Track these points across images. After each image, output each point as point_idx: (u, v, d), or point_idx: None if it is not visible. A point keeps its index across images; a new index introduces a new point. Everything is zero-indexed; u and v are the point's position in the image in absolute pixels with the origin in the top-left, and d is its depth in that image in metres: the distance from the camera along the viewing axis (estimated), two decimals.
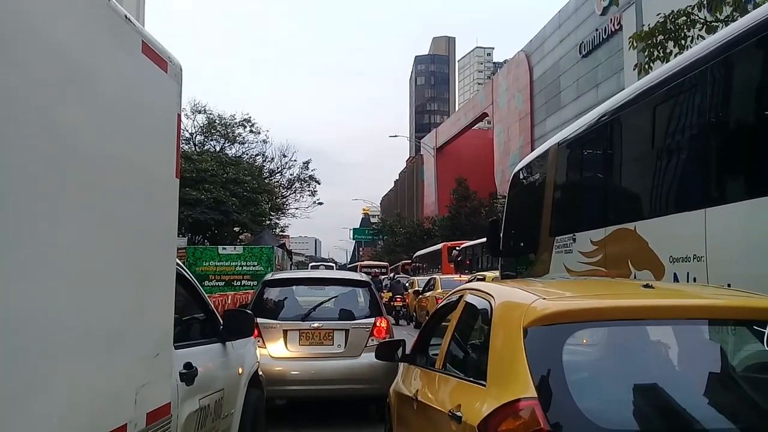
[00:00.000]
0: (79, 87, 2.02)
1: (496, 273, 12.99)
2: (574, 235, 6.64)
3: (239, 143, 38.91)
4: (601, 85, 32.64)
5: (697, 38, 9.18)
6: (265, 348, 6.31)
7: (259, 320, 6.10)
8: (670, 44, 9.68)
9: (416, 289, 20.78)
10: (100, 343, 2.19)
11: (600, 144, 6.63)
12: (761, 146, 4.13)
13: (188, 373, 3.32)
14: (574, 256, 6.55)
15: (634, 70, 10.81)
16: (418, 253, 40.29)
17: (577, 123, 7.44)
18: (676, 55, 9.14)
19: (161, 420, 2.70)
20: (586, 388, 2.30)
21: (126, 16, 2.28)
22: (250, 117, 38.72)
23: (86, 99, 2.07)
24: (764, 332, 2.38)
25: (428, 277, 21.51)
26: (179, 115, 2.88)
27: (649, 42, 9.88)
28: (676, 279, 4.64)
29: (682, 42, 9.54)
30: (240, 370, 4.36)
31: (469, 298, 3.31)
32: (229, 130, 37.92)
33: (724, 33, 4.77)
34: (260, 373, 4.91)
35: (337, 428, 6.49)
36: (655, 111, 5.44)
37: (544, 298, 2.54)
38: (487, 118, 56.67)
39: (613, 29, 31.41)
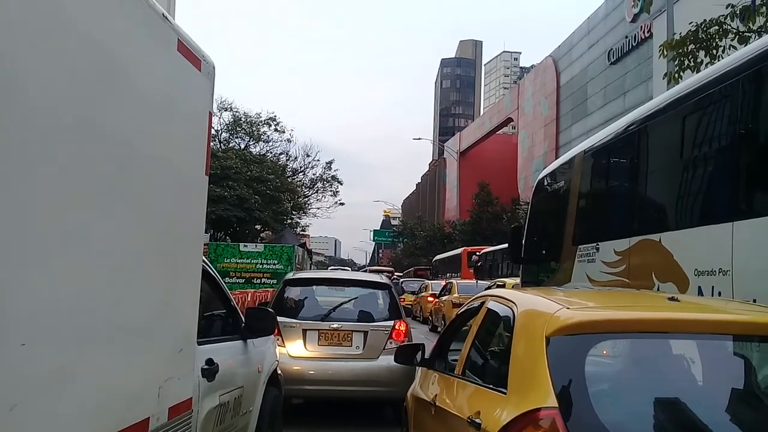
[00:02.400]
0: (115, 83, 2.06)
1: (517, 280, 12.88)
2: (598, 245, 6.56)
3: (264, 141, 39.26)
4: (628, 93, 32.23)
5: (729, 48, 9.04)
6: (284, 347, 6.34)
7: (280, 319, 6.12)
8: (701, 53, 9.53)
9: (432, 292, 20.75)
10: (126, 337, 2.22)
11: (627, 153, 6.54)
12: None
13: (209, 369, 3.34)
14: (597, 265, 6.47)
15: (663, 79, 10.65)
16: (438, 257, 40.25)
17: (604, 131, 7.34)
18: (707, 65, 8.99)
19: (183, 415, 2.73)
20: (607, 400, 2.28)
21: (163, 14, 2.31)
22: (275, 116, 39.06)
23: (123, 95, 2.10)
24: None
25: (444, 282, 21.43)
26: (211, 114, 2.91)
27: (680, 51, 9.73)
28: (700, 292, 4.58)
29: (714, 52, 9.38)
30: (260, 368, 4.39)
31: (491, 304, 3.31)
32: (254, 128, 38.24)
33: (756, 45, 4.68)
34: (279, 371, 4.93)
35: (353, 430, 6.48)
36: (683, 122, 5.37)
37: (568, 308, 2.53)
38: (512, 123, 56.31)
39: (643, 37, 30.99)
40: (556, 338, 2.34)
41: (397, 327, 6.68)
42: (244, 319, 4.21)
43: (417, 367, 4.36)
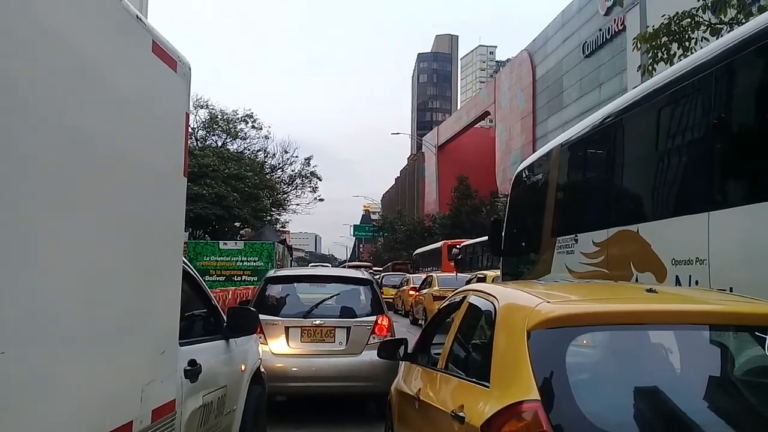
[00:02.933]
0: (90, 85, 2.04)
1: (497, 272, 13.01)
2: (576, 236, 6.64)
3: (241, 139, 38.94)
4: (603, 86, 32.60)
5: (702, 40, 9.18)
6: (267, 344, 6.32)
7: (261, 317, 6.09)
8: (674, 46, 9.67)
9: (412, 286, 20.85)
10: (107, 340, 2.21)
11: (604, 145, 6.62)
12: (764, 151, 4.14)
13: (192, 370, 3.33)
14: (576, 256, 6.55)
15: (637, 71, 10.82)
16: (418, 250, 40.35)
17: (581, 124, 7.41)
18: (680, 57, 9.13)
19: (166, 417, 2.72)
20: (588, 391, 2.32)
21: (137, 15, 2.29)
22: (252, 112, 38.75)
23: (97, 97, 2.09)
24: (765, 338, 2.40)
25: (425, 275, 21.37)
26: (188, 114, 2.90)
27: (653, 43, 9.87)
28: (678, 282, 4.65)
29: (686, 44, 9.53)
30: (243, 367, 4.38)
31: (473, 299, 3.33)
32: (230, 126, 37.92)
33: (728, 38, 4.77)
34: (262, 370, 4.93)
35: (337, 425, 6.49)
36: (659, 114, 5.44)
37: (548, 302, 2.55)
38: (489, 116, 56.67)
39: (616, 30, 31.36)
40: (537, 332, 2.37)
41: (379, 322, 6.69)
42: (225, 319, 4.20)
43: (400, 362, 4.38)
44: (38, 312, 1.80)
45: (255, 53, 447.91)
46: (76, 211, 1.99)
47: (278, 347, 6.47)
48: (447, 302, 4.02)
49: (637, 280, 5.15)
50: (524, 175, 9.17)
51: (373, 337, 6.52)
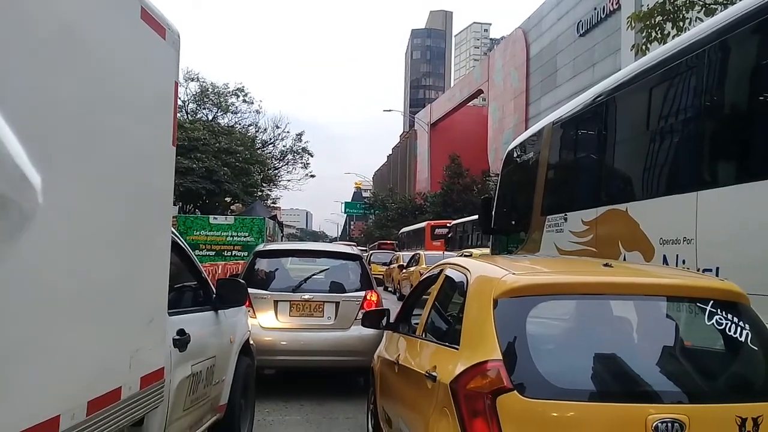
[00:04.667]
0: (76, 52, 2.01)
1: (484, 250, 13.18)
2: (566, 215, 6.66)
3: (232, 113, 38.70)
4: (597, 65, 32.47)
5: (696, 20, 9.16)
6: (256, 318, 6.33)
7: (250, 290, 6.10)
8: (668, 25, 9.65)
9: (401, 263, 21.25)
10: (96, 307, 2.22)
11: (594, 124, 6.61)
12: (754, 131, 4.17)
13: (181, 340, 3.35)
14: (565, 235, 6.58)
15: (631, 50, 10.78)
16: (404, 229, 40.77)
17: (572, 102, 7.39)
18: (674, 37, 9.11)
19: (155, 384, 2.75)
20: (545, 353, 2.57)
21: None
22: (243, 86, 38.56)
23: (83, 64, 2.06)
24: (706, 309, 2.63)
25: (413, 253, 21.88)
26: (176, 83, 2.88)
27: (648, 23, 9.86)
28: (665, 261, 4.70)
29: (680, 24, 9.52)
30: (231, 338, 4.41)
31: (449, 272, 3.57)
32: (221, 99, 37.62)
33: (722, 17, 4.72)
34: (251, 342, 4.97)
35: (325, 398, 6.55)
36: (650, 93, 5.43)
37: (514, 273, 2.78)
38: (482, 95, 56.37)
39: (611, 8, 31.16)
40: (502, 300, 2.62)
41: (368, 297, 6.72)
42: (215, 291, 4.22)
43: (383, 332, 4.61)
44: (30, 278, 1.80)
45: (246, 27, 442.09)
46: (64, 180, 1.98)
47: (267, 321, 6.50)
48: (426, 275, 4.25)
49: (624, 259, 5.21)
50: (515, 154, 9.17)
51: (362, 313, 6.57)
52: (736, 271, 3.43)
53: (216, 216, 22.86)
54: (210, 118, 36.66)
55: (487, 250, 13.32)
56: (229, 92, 37.92)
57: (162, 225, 2.83)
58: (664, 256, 4.72)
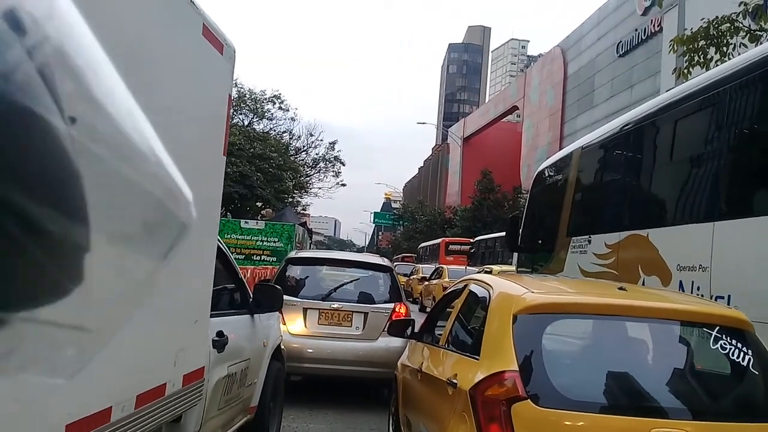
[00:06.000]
0: (145, 67, 2.15)
1: (504, 267, 13.39)
2: (590, 237, 6.78)
3: (267, 119, 39.16)
4: (635, 87, 32.11)
5: (740, 46, 9.07)
6: (285, 324, 6.39)
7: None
8: (712, 50, 9.55)
9: (422, 275, 22.33)
10: (148, 306, 2.34)
11: (621, 152, 6.81)
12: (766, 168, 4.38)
13: (220, 341, 3.47)
14: (588, 257, 6.70)
15: (672, 74, 10.69)
16: (422, 244, 42.50)
17: (601, 129, 7.57)
18: (716, 63, 9.03)
19: (195, 382, 2.87)
20: (559, 367, 2.79)
21: None
22: (279, 94, 38.91)
23: (150, 78, 2.19)
24: (712, 333, 2.81)
25: (435, 266, 23.06)
26: (230, 96, 3.01)
27: (690, 47, 9.75)
28: (681, 287, 4.85)
29: (724, 49, 9.41)
30: (265, 342, 4.53)
31: (473, 287, 3.82)
32: (258, 105, 38.13)
33: (744, 58, 4.91)
34: (282, 347, 5.08)
35: (350, 408, 6.59)
36: (674, 126, 5.63)
37: (533, 292, 2.99)
38: (517, 111, 56.11)
39: (653, 30, 30.81)
40: (521, 316, 2.82)
41: (397, 310, 6.73)
42: (252, 295, 4.34)
43: (407, 341, 4.87)
44: (98, 280, 1.92)
45: (286, 35, 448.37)
46: (123, 184, 2.10)
47: (296, 328, 6.56)
48: (451, 289, 4.51)
49: (644, 283, 5.36)
50: (544, 175, 9.33)
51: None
52: (747, 300, 3.59)
53: (247, 220, 23.12)
54: (246, 123, 37.20)
55: (508, 267, 13.64)
56: (266, 99, 38.46)
57: (210, 231, 2.96)
58: (681, 282, 4.88)
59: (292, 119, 40.47)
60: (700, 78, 5.69)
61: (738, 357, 2.74)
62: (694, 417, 2.58)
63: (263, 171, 30.06)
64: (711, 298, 4.28)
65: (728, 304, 4.02)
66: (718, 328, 2.82)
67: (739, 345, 2.76)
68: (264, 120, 38.95)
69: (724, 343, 2.77)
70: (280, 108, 38.94)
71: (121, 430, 2.17)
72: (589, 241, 6.79)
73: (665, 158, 5.80)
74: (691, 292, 4.65)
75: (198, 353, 2.87)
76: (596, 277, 6.16)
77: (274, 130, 39.56)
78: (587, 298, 3.18)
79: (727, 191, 4.75)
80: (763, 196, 4.43)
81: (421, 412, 3.77)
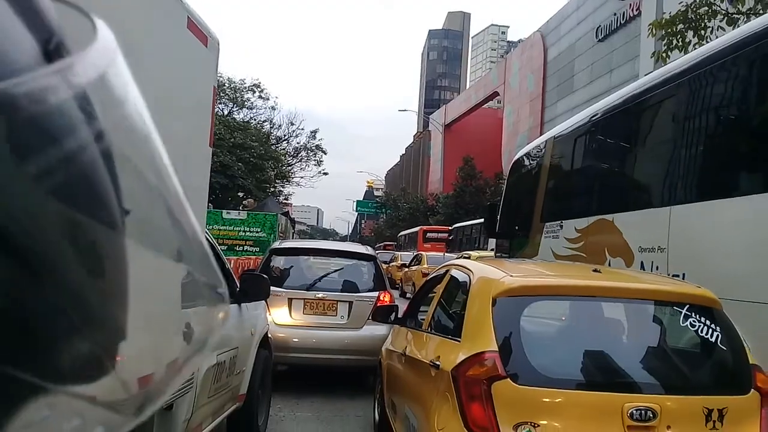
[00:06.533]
0: (132, 60, 2.17)
1: (482, 252, 13.96)
2: (562, 223, 7.16)
3: (247, 108, 38.89)
4: (615, 71, 32.36)
5: (718, 29, 9.20)
6: (270, 314, 6.34)
7: None
8: (690, 34, 9.66)
9: (401, 262, 23.10)
10: (141, 295, 2.38)
11: (589, 141, 7.22)
12: (721, 154, 4.76)
13: None
14: (560, 241, 7.08)
15: (651, 58, 10.82)
16: (402, 233, 43.50)
17: (572, 119, 8.00)
18: (695, 46, 9.18)
19: None
20: (536, 347, 2.96)
21: None
22: (259, 82, 38.67)
23: (138, 71, 2.22)
24: (682, 312, 2.95)
25: (414, 253, 23.65)
26: (215, 88, 3.04)
27: (669, 30, 9.86)
28: (642, 267, 5.21)
29: (702, 32, 9.52)
30: (252, 331, 4.58)
31: (454, 272, 3.95)
32: (237, 95, 37.86)
33: (695, 55, 5.38)
34: (269, 336, 5.13)
35: (336, 396, 6.65)
36: (634, 117, 6.11)
37: (511, 275, 3.11)
38: (497, 97, 56.30)
39: (631, 15, 31.04)
40: (500, 299, 2.95)
41: (381, 298, 6.79)
42: (238, 284, 4.38)
43: (391, 327, 5.03)
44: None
45: (264, 23, 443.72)
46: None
47: (281, 318, 6.60)
48: (433, 274, 4.68)
49: (609, 264, 5.72)
50: (520, 163, 9.72)
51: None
52: (700, 277, 3.83)
53: (229, 211, 23.00)
54: (226, 113, 36.91)
55: (485, 253, 14.19)
56: (246, 87, 38.19)
57: (199, 219, 2.99)
58: (642, 262, 5.26)
59: (273, 108, 40.23)
60: (654, 74, 6.10)
61: (707, 333, 2.89)
62: (663, 391, 2.73)
63: (244, 161, 29.92)
64: (669, 277, 4.53)
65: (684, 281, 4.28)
66: (687, 306, 2.95)
67: (708, 322, 2.90)
68: (244, 109, 38.70)
69: (694, 321, 2.91)
70: (260, 97, 38.73)
71: None
72: (561, 226, 7.14)
73: (628, 147, 6.25)
74: (651, 272, 4.98)
75: None
76: (568, 260, 6.46)
77: (255, 120, 39.32)
78: (563, 281, 3.34)
79: (682, 178, 5.11)
80: (713, 182, 4.77)
81: (406, 395, 3.87)
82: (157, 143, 0.44)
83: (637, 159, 6.14)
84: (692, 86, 5.13)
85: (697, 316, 2.91)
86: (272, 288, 6.28)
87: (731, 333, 2.93)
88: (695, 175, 5.02)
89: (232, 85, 37.75)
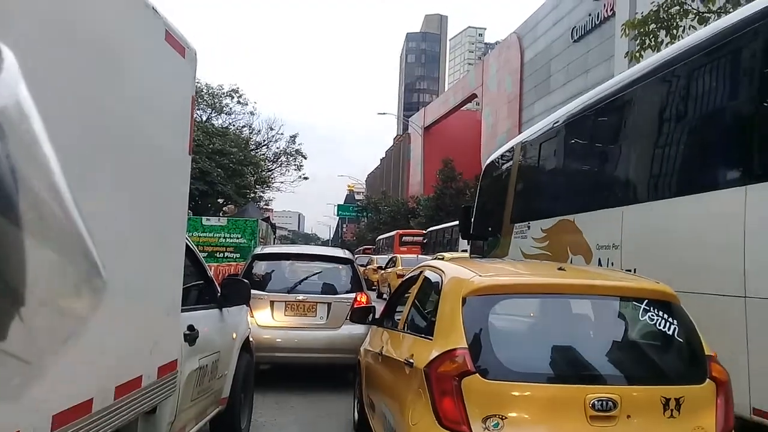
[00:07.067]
0: (112, 73, 2.25)
1: (455, 254, 14.47)
2: (529, 224, 7.54)
3: (226, 114, 38.80)
4: (591, 71, 32.73)
5: (689, 28, 9.41)
6: (253, 317, 6.65)
7: None
8: (662, 33, 9.87)
9: (378, 265, 24.16)
10: (123, 302, 2.44)
11: (552, 146, 7.61)
12: (665, 159, 5.18)
13: (191, 335, 3.58)
14: (528, 241, 7.46)
15: (624, 57, 11.02)
16: (380, 237, 45.00)
17: (538, 125, 8.39)
18: (667, 45, 9.38)
19: (169, 374, 2.97)
20: (504, 343, 3.09)
21: (153, 7, 2.50)
22: (237, 88, 38.67)
23: (117, 83, 2.30)
24: (641, 306, 3.11)
25: (390, 256, 24.94)
26: (193, 97, 3.11)
27: (642, 30, 10.04)
28: (600, 263, 5.57)
29: (674, 32, 9.72)
30: (234, 335, 4.64)
31: (427, 273, 4.11)
32: (216, 100, 37.71)
33: (656, 58, 5.71)
34: (251, 339, 5.19)
35: (317, 392, 6.85)
36: (592, 124, 6.58)
37: (480, 275, 3.24)
38: (476, 99, 56.65)
39: (605, 15, 31.46)
40: (470, 298, 3.07)
41: (358, 299, 7.09)
42: (219, 289, 4.44)
43: (369, 328, 5.15)
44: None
45: (241, 29, 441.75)
46: (98, 185, 2.20)
47: (264, 320, 6.86)
48: (408, 275, 4.79)
49: (571, 262, 6.06)
50: (491, 167, 10.09)
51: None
52: (648, 271, 4.14)
53: (209, 217, 22.86)
54: (204, 119, 36.73)
55: (458, 254, 14.77)
56: (224, 93, 38.07)
57: (178, 226, 3.07)
58: (599, 259, 5.64)
59: (252, 113, 40.14)
60: (605, 84, 6.54)
61: (664, 327, 3.05)
62: (624, 383, 2.88)
63: (223, 167, 29.80)
64: (622, 271, 4.83)
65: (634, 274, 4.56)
66: (646, 301, 3.11)
67: (666, 316, 3.06)
68: (222, 115, 38.57)
69: (653, 315, 3.07)
70: (238, 102, 38.65)
71: (101, 421, 2.27)
72: (528, 227, 7.54)
73: (585, 152, 6.72)
74: (606, 267, 5.35)
75: (171, 346, 2.98)
76: (535, 259, 6.78)
77: (233, 125, 39.23)
78: (529, 279, 3.52)
79: (632, 180, 5.53)
80: (658, 184, 5.17)
81: (383, 393, 3.99)
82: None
83: (593, 163, 6.53)
84: (637, 96, 5.55)
85: (656, 310, 3.07)
86: (255, 291, 6.64)
87: (688, 326, 3.09)
88: (643, 177, 5.39)
89: (210, 91, 37.60)
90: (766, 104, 3.96)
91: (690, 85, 4.85)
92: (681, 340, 3.06)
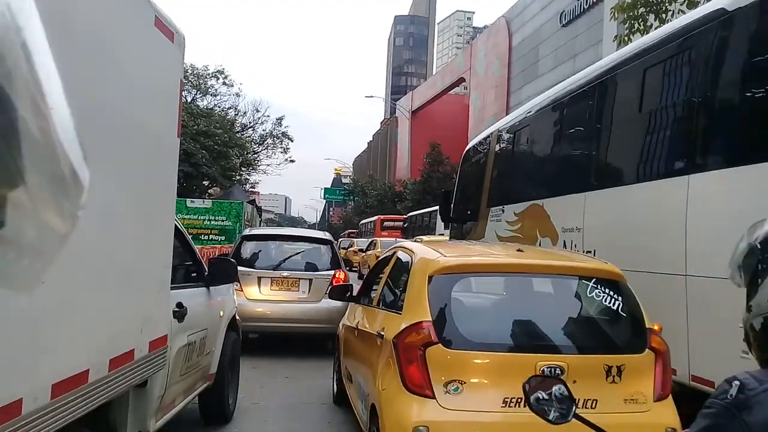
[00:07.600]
0: (104, 58, 2.33)
1: (433, 237, 14.94)
2: (503, 207, 8.05)
3: (211, 95, 38.30)
4: (579, 56, 32.81)
5: (678, 12, 9.46)
6: (243, 291, 7.47)
7: (239, 268, 6.72)
8: (651, 17, 9.94)
9: (358, 248, 26.73)
10: (115, 279, 2.56)
11: (523, 135, 8.16)
12: (622, 148, 5.63)
13: (180, 312, 3.71)
14: (502, 224, 7.99)
15: (613, 41, 11.10)
16: (363, 221, 46.60)
17: (513, 113, 8.97)
18: (656, 28, 9.44)
19: (160, 349, 3.10)
20: (465, 317, 3.45)
21: None
22: (223, 69, 38.11)
23: (108, 68, 2.39)
24: (589, 284, 3.42)
25: (370, 240, 27.47)
26: (182, 81, 3.20)
27: (631, 14, 10.09)
28: (564, 245, 6.06)
29: (663, 15, 9.77)
30: (221, 314, 4.78)
31: (399, 254, 4.47)
32: (201, 81, 37.27)
33: (622, 52, 6.12)
34: (237, 317, 5.32)
35: (300, 358, 7.77)
36: (560, 113, 7.08)
37: (445, 256, 3.57)
38: (464, 83, 56.63)
39: (594, 0, 31.56)
40: (435, 276, 3.40)
41: (337, 275, 7.93)
42: (207, 269, 4.55)
43: (348, 304, 5.59)
44: (66, 251, 2.11)
45: (227, 11, 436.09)
46: (90, 168, 2.29)
47: (252, 293, 7.72)
48: (383, 256, 5.21)
49: (540, 244, 6.58)
50: (470, 153, 10.51)
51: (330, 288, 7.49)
52: (607, 252, 4.63)
53: (194, 199, 22.70)
54: (189, 100, 36.31)
55: (436, 237, 15.39)
56: (209, 74, 37.59)
57: (168, 206, 3.17)
58: (564, 241, 6.13)
59: (237, 95, 39.77)
60: (572, 78, 6.99)
61: (610, 302, 3.37)
62: (570, 352, 3.23)
63: (208, 148, 29.57)
64: (583, 253, 5.34)
65: (594, 256, 4.97)
66: (595, 279, 3.42)
67: (611, 293, 3.38)
68: (207, 96, 38.10)
69: (600, 292, 3.39)
70: (224, 83, 38.11)
71: (96, 391, 2.40)
72: (503, 211, 8.07)
73: (553, 141, 7.22)
74: (571, 249, 5.80)
75: (161, 322, 3.11)
76: (508, 241, 7.28)
77: (219, 107, 38.75)
78: (489, 259, 3.91)
79: (593, 168, 6.00)
80: (615, 171, 5.64)
81: (358, 363, 4.35)
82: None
83: (559, 151, 7.01)
84: (597, 92, 6.03)
85: (603, 288, 3.40)
86: (244, 268, 7.50)
87: (632, 301, 3.42)
88: (602, 165, 5.84)
89: (195, 72, 37.09)
90: (705, 101, 4.35)
91: (639, 83, 5.31)
92: (624, 314, 3.38)
